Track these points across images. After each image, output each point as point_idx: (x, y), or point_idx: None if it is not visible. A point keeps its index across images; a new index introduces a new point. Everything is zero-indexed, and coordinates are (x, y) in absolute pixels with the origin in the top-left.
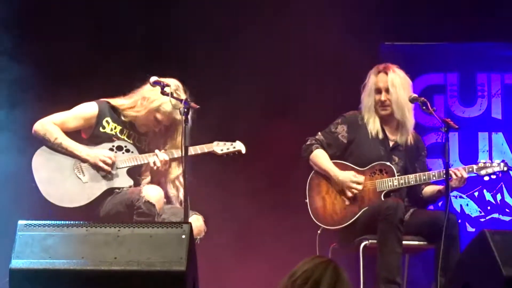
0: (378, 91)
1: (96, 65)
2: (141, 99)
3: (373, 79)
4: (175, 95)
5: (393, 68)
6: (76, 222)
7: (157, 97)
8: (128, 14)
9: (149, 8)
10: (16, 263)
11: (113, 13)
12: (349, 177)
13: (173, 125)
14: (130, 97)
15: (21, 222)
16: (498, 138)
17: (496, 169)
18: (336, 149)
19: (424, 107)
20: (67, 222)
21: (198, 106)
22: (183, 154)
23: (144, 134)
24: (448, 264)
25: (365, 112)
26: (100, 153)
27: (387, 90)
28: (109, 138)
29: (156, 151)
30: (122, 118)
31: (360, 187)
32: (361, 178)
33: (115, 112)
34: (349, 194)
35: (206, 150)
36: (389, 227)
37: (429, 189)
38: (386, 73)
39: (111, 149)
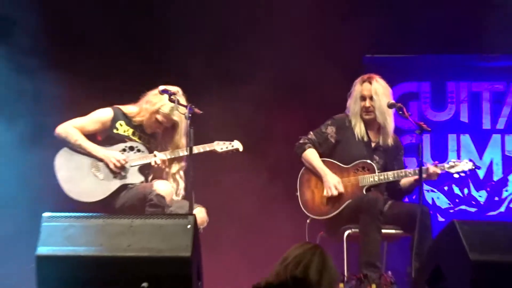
0: (363, 98)
1: (108, 70)
2: (145, 103)
3: (358, 88)
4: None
5: (376, 78)
6: (94, 214)
7: (158, 100)
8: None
9: (149, 10)
10: (41, 250)
11: (116, 21)
12: (334, 182)
13: (173, 127)
14: (138, 105)
15: (45, 214)
16: (466, 139)
17: (465, 167)
18: (325, 147)
19: (400, 112)
20: (86, 214)
21: (201, 112)
22: (189, 154)
23: (152, 135)
24: (421, 250)
25: (352, 117)
26: (113, 155)
27: (371, 98)
28: (122, 139)
29: (155, 152)
30: (133, 123)
31: (336, 193)
32: (341, 188)
33: (127, 117)
34: (325, 193)
35: (208, 149)
36: (370, 218)
37: (406, 180)
38: (370, 83)
39: (124, 149)
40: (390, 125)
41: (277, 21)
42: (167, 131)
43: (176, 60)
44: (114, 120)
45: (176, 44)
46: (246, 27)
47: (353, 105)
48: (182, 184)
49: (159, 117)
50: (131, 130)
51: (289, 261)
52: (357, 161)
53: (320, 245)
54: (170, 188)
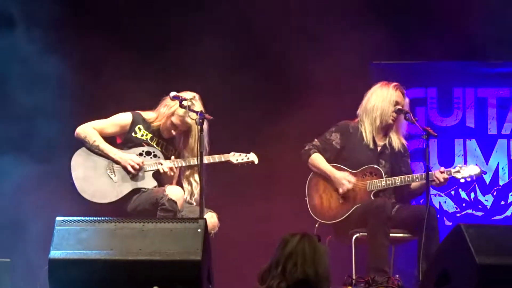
0: (397, 103)
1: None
2: (162, 107)
3: (393, 93)
4: (190, 104)
5: (404, 89)
6: (106, 218)
7: (174, 104)
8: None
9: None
10: (54, 254)
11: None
12: (344, 176)
13: (188, 131)
14: (156, 110)
15: (58, 218)
16: (472, 144)
17: (471, 173)
18: (330, 153)
19: (407, 118)
20: (98, 218)
21: (211, 117)
22: (198, 159)
23: (171, 142)
24: (428, 253)
25: (375, 115)
26: (130, 158)
27: (402, 106)
28: (139, 143)
29: (161, 160)
30: (151, 128)
31: (350, 185)
32: (352, 178)
33: (146, 122)
34: (341, 190)
35: (223, 159)
36: (378, 223)
37: (416, 184)
38: (403, 94)
39: (141, 154)
40: (403, 131)
41: (287, 28)
42: (185, 135)
43: (194, 66)
44: (133, 124)
45: (194, 50)
46: (259, 36)
47: (385, 105)
48: (196, 187)
49: (174, 119)
50: (149, 135)
51: (287, 264)
52: (365, 166)
53: (306, 233)
54: (182, 193)
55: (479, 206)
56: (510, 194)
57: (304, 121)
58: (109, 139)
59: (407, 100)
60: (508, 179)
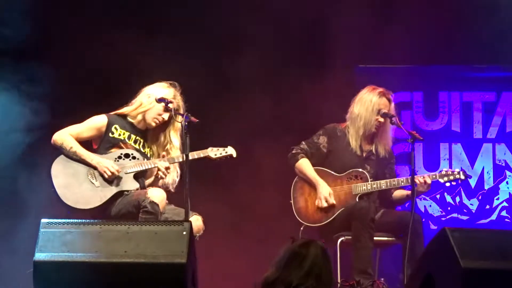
0: (379, 112)
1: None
2: (145, 97)
3: (376, 100)
4: (177, 107)
5: (391, 95)
6: (91, 220)
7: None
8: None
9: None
10: (39, 256)
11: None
12: (325, 194)
13: (166, 123)
14: (134, 102)
15: (43, 220)
16: (457, 148)
17: (457, 177)
18: (317, 157)
19: (393, 121)
20: (83, 220)
21: (197, 120)
22: (184, 161)
23: (147, 138)
24: (413, 257)
25: (359, 124)
26: (106, 164)
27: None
28: (117, 143)
29: (157, 161)
30: (130, 120)
31: (325, 205)
32: (332, 200)
33: (123, 120)
34: (317, 203)
35: (202, 155)
36: (362, 225)
37: (398, 193)
38: (389, 100)
39: (120, 157)
40: (389, 137)
41: (271, 31)
42: (161, 128)
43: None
44: (110, 125)
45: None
46: (243, 37)
47: (368, 115)
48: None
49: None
50: (127, 134)
51: (301, 283)
52: (350, 170)
53: (314, 241)
54: (163, 196)
55: (464, 210)
56: (495, 198)
57: (290, 122)
58: (86, 144)
59: (393, 105)
60: (493, 183)
